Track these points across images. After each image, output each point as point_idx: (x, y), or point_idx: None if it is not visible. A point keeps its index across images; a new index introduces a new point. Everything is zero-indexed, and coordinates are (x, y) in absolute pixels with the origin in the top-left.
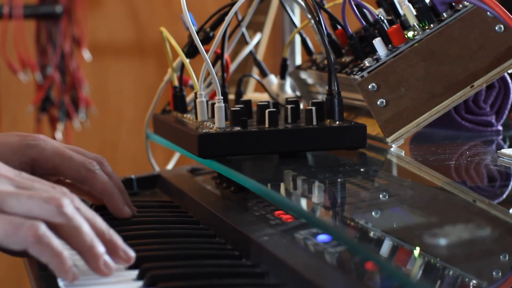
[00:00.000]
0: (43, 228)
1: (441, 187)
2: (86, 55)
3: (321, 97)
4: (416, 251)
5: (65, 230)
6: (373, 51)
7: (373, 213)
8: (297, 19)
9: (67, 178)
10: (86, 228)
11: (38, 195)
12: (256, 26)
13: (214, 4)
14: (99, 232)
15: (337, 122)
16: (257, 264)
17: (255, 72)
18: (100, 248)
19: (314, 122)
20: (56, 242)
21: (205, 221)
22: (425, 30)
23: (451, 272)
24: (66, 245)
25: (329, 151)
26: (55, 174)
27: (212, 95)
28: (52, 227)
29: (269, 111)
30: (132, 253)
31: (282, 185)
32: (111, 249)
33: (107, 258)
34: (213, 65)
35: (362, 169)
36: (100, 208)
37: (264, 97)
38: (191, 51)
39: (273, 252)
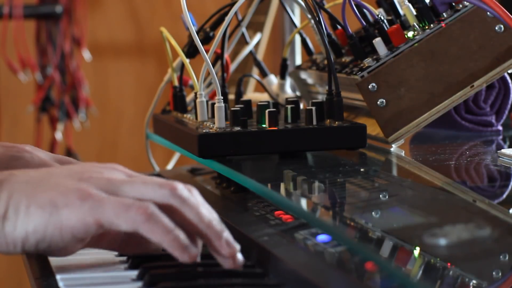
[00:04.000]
0: (153, 207)
1: (441, 187)
2: (86, 55)
3: (321, 97)
4: (416, 251)
5: (180, 212)
6: (373, 51)
7: (373, 213)
8: (297, 19)
9: None
10: (203, 209)
11: (152, 181)
12: (256, 26)
13: (214, 4)
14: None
15: (337, 122)
16: (257, 264)
17: (255, 72)
18: (219, 226)
19: (314, 122)
20: (167, 220)
21: None
22: (425, 30)
23: (451, 272)
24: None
25: (329, 151)
26: None
27: (212, 95)
28: (165, 210)
29: (269, 111)
30: (236, 246)
31: (282, 185)
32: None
33: (228, 236)
34: (213, 65)
35: (362, 169)
36: None
37: (264, 97)
38: (191, 51)
39: (273, 252)
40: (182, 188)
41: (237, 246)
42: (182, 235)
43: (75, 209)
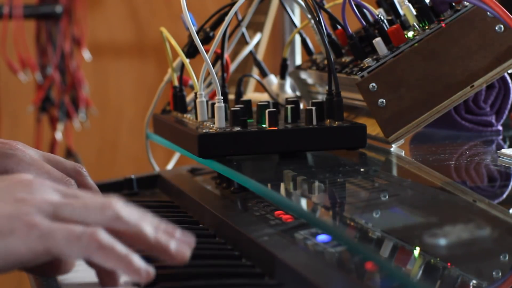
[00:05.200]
0: (103, 234)
1: (441, 187)
2: (86, 55)
3: (321, 97)
4: (416, 251)
5: (125, 234)
6: (373, 51)
7: (373, 213)
8: (297, 19)
9: None
10: (144, 226)
11: (92, 203)
12: (256, 26)
13: (214, 4)
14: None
15: (337, 122)
16: (257, 264)
17: (255, 72)
18: (165, 238)
19: (314, 122)
20: (119, 246)
21: (205, 221)
22: (425, 30)
23: (451, 272)
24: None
25: (329, 151)
26: None
27: (212, 95)
28: (110, 233)
29: (269, 111)
30: (187, 253)
31: (282, 185)
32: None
33: (175, 244)
34: (213, 65)
35: (362, 169)
36: None
37: (264, 97)
38: (191, 51)
39: (273, 252)
40: (121, 207)
41: (187, 253)
42: (135, 258)
43: (22, 238)
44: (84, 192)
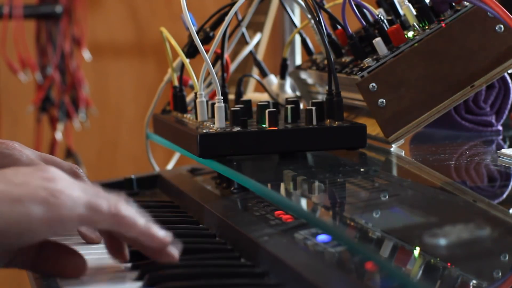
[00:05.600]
0: (125, 205)
1: (441, 187)
2: (86, 55)
3: (321, 97)
4: (416, 251)
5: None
6: (373, 51)
7: (373, 213)
8: (297, 19)
9: None
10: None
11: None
12: (256, 26)
13: (214, 4)
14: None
15: (337, 122)
16: (256, 264)
17: (255, 72)
18: (155, 229)
19: (314, 122)
20: (140, 215)
21: (205, 221)
22: (425, 30)
23: (451, 272)
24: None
25: (329, 151)
26: None
27: (212, 95)
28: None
29: (269, 111)
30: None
31: (282, 185)
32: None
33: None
34: (213, 65)
35: (362, 169)
36: None
37: (264, 97)
38: (191, 51)
39: (273, 252)
40: (125, 213)
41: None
42: (154, 226)
43: (66, 201)
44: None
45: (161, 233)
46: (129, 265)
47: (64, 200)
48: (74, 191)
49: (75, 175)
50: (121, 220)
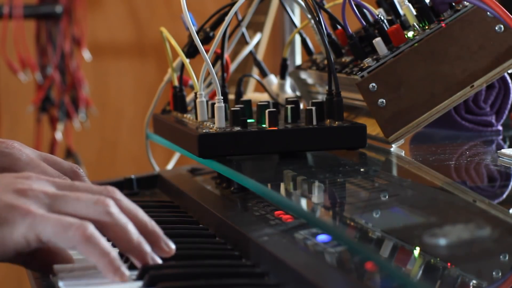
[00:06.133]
0: (92, 228)
1: (441, 187)
2: (86, 55)
3: (321, 97)
4: (416, 251)
5: (112, 230)
6: (373, 51)
7: (373, 213)
8: (297, 19)
9: None
10: (131, 227)
11: (85, 197)
12: (256, 26)
13: (214, 4)
14: (143, 224)
15: (337, 122)
16: (257, 264)
17: (255, 72)
18: (147, 246)
19: (314, 122)
20: (104, 242)
21: (205, 221)
22: (425, 30)
23: (451, 272)
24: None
25: (329, 151)
26: None
27: (212, 95)
28: (99, 227)
29: (269, 111)
30: (172, 245)
31: (282, 185)
32: (154, 241)
33: (154, 255)
34: (213, 65)
35: (362, 169)
36: None
37: (264, 97)
38: (191, 51)
39: (273, 252)
40: (113, 205)
41: (159, 261)
42: (116, 257)
43: (17, 225)
44: (81, 183)
45: (120, 270)
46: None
47: (23, 220)
48: (42, 207)
49: (75, 174)
50: (82, 246)
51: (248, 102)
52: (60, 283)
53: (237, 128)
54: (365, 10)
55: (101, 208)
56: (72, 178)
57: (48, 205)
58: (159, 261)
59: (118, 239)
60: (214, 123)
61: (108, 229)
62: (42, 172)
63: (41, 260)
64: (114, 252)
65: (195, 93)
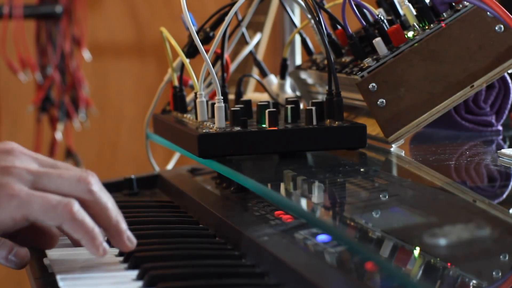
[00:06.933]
0: (77, 206)
1: (441, 187)
2: (86, 55)
3: (321, 97)
4: (416, 251)
5: (92, 207)
6: (373, 51)
7: (373, 213)
8: (297, 19)
9: None
10: (111, 205)
11: (68, 174)
12: (256, 26)
13: (214, 4)
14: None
15: (337, 122)
16: (257, 264)
17: (255, 72)
18: (124, 225)
19: (314, 122)
20: (89, 219)
21: (205, 221)
22: (425, 30)
23: (451, 272)
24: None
25: (329, 151)
26: None
27: (212, 95)
28: (81, 203)
29: (269, 111)
30: (134, 241)
31: (282, 185)
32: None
33: (129, 233)
34: (213, 65)
35: (362, 169)
36: None
37: (264, 97)
38: (191, 51)
39: (273, 252)
40: (95, 182)
41: (135, 241)
42: (98, 234)
43: (3, 206)
44: (62, 163)
45: (101, 246)
46: (129, 264)
47: (9, 199)
48: (25, 184)
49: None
50: (67, 222)
51: (248, 102)
52: (60, 283)
53: (237, 128)
54: (365, 10)
55: (83, 186)
56: None
57: (32, 182)
58: (134, 240)
59: (97, 216)
60: (214, 123)
61: (89, 206)
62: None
63: (26, 236)
64: (97, 229)
65: (195, 93)
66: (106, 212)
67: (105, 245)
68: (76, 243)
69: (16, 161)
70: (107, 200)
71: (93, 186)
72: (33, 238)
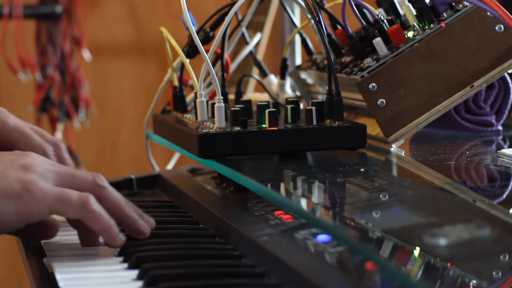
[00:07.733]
0: (94, 200)
1: (441, 187)
2: (86, 55)
3: (321, 97)
4: (416, 251)
5: (106, 201)
6: (373, 51)
7: (373, 213)
8: (297, 19)
9: None
10: (122, 198)
11: (81, 172)
12: (256, 26)
13: (214, 4)
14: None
15: (337, 122)
16: (257, 264)
17: (255, 72)
18: (136, 214)
19: (314, 122)
20: (105, 212)
21: (205, 221)
22: (425, 30)
23: (451, 272)
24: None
25: (329, 151)
26: (10, 149)
27: (212, 95)
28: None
29: (269, 111)
30: (148, 227)
31: (282, 185)
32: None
33: (142, 222)
34: (213, 65)
35: (362, 169)
36: None
37: (264, 97)
38: (191, 51)
39: (273, 252)
40: (104, 180)
41: (148, 228)
42: (114, 225)
43: (31, 199)
44: (70, 168)
45: (119, 236)
46: (129, 264)
47: (36, 193)
48: (47, 181)
49: (56, 147)
50: (87, 214)
51: (248, 102)
52: (60, 283)
53: (237, 128)
54: (365, 10)
55: (96, 183)
56: (54, 150)
57: (52, 179)
58: (148, 228)
59: (111, 209)
60: (214, 123)
61: (104, 200)
62: (26, 136)
63: (31, 228)
64: (112, 220)
65: (195, 93)
66: (119, 204)
67: (122, 236)
68: (86, 242)
69: (35, 160)
70: (118, 194)
71: (104, 183)
72: (37, 229)
